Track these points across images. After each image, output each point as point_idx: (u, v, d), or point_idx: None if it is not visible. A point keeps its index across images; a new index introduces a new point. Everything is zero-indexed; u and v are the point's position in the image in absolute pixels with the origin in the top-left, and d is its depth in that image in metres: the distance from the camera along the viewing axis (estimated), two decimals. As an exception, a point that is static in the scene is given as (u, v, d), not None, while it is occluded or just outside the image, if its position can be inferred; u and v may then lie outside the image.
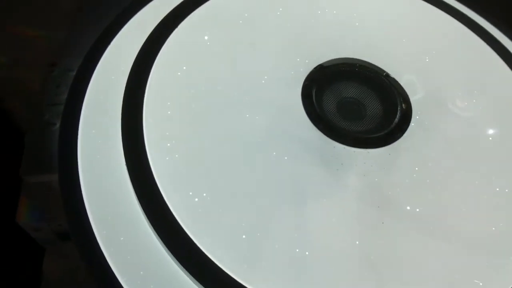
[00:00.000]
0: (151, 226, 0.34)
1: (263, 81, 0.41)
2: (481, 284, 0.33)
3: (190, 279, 0.32)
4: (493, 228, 0.36)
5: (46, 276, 0.46)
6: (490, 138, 0.41)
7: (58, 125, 0.40)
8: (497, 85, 0.45)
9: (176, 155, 0.36)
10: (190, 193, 0.35)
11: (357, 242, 0.35)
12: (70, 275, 0.47)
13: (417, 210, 0.37)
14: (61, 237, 0.49)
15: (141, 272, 0.33)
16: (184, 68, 0.41)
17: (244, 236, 0.34)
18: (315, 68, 0.42)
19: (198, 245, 0.32)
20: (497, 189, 0.38)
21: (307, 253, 0.33)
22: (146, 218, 0.34)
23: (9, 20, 0.51)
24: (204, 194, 0.35)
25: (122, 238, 0.34)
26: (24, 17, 0.54)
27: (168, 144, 0.37)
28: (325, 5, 0.47)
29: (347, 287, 0.33)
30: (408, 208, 0.37)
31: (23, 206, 0.44)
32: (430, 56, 0.44)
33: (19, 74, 0.52)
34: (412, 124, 0.40)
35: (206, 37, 0.44)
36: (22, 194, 0.44)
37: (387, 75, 0.43)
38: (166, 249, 0.33)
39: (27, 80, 0.48)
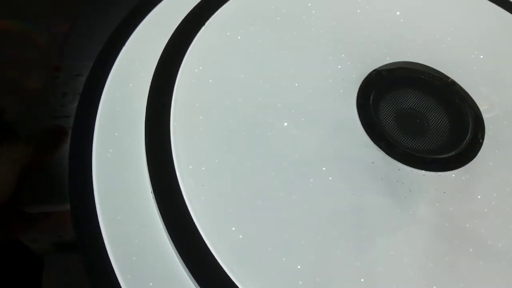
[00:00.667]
0: (180, 259, 0.27)
1: (311, 90, 0.34)
2: None
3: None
4: None
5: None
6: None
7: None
8: None
9: (213, 181, 0.30)
10: (233, 229, 0.29)
11: (434, 287, 0.29)
12: None
13: (500, 245, 0.31)
14: (60, 249, 0.44)
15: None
16: (216, 74, 0.34)
17: (300, 282, 0.28)
18: (371, 73, 0.36)
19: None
20: None
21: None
22: (177, 253, 0.28)
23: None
24: (247, 229, 0.29)
25: (134, 258, 0.28)
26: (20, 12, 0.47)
27: (203, 168, 0.30)
28: (373, 1, 0.41)
29: None
30: (489, 242, 0.31)
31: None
32: (502, 61, 0.38)
33: (15, 75, 0.45)
34: (485, 141, 0.34)
35: (239, 37, 0.37)
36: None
37: (453, 82, 0.36)
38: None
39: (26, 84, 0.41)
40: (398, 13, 0.40)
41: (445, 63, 0.37)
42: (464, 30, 0.40)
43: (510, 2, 0.41)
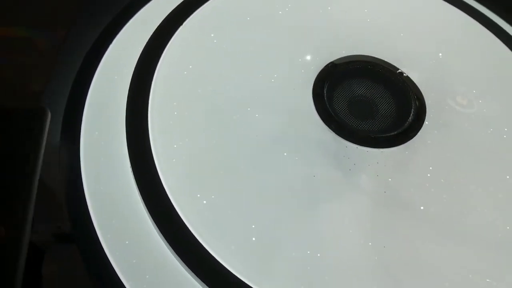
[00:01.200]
0: (157, 229, 0.33)
1: (272, 80, 0.40)
2: (495, 284, 0.32)
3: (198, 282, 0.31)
4: (508, 227, 0.35)
5: (46, 281, 0.45)
6: (505, 136, 0.40)
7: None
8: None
9: (184, 157, 0.35)
10: (198, 195, 0.34)
11: (370, 244, 0.33)
12: (71, 279, 0.46)
13: (432, 210, 0.35)
14: (60, 240, 0.48)
15: (147, 276, 0.32)
16: (190, 67, 0.40)
17: (254, 239, 0.33)
18: (326, 66, 0.41)
19: (207, 248, 0.31)
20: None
21: (318, 254, 0.32)
22: (153, 221, 0.33)
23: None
24: (213, 197, 0.34)
25: (127, 242, 0.33)
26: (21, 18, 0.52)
27: (175, 146, 0.36)
28: (334, 2, 0.46)
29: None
30: (422, 208, 0.35)
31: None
32: (444, 52, 0.43)
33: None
34: (426, 122, 0.39)
35: (212, 35, 0.42)
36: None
37: (401, 73, 0.41)
38: (173, 252, 0.32)
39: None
40: (356, 13, 0.45)
41: (395, 57, 0.42)
42: (413, 27, 0.45)
43: None
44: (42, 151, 0.31)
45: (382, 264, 0.33)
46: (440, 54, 0.43)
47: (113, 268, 0.31)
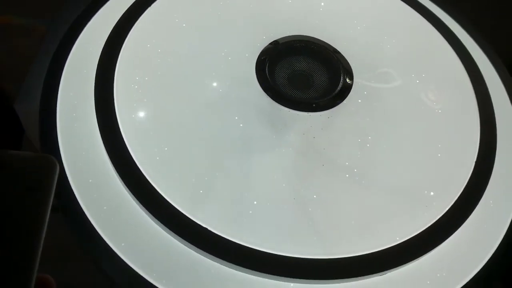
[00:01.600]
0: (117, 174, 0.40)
1: (222, 54, 0.47)
2: (397, 225, 0.39)
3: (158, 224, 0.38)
4: (411, 180, 0.41)
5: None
6: (419, 106, 0.46)
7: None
8: (436, 64, 0.50)
9: (142, 115, 0.42)
10: (155, 150, 0.41)
11: (294, 188, 0.40)
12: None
13: (347, 163, 0.42)
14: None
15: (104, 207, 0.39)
16: (153, 41, 0.47)
17: (193, 180, 0.40)
18: (270, 43, 0.47)
19: (154, 184, 0.38)
20: (418, 148, 0.43)
21: (246, 194, 0.39)
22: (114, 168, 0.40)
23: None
24: (166, 149, 0.41)
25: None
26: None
27: (134, 105, 0.43)
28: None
29: (285, 229, 0.38)
30: (339, 161, 0.42)
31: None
32: (378, 37, 0.50)
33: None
34: (352, 93, 0.46)
35: (175, 15, 0.49)
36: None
37: (335, 51, 0.48)
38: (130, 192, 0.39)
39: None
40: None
41: (334, 38, 0.49)
42: (352, 13, 0.52)
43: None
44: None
45: (303, 207, 0.39)
46: (373, 39, 0.49)
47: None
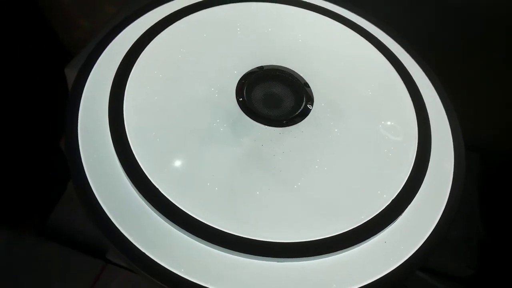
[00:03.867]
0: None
1: (213, 74, 0.59)
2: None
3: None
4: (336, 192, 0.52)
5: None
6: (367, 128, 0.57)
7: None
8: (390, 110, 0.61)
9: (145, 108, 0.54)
10: (146, 130, 0.52)
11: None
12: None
13: (280, 171, 0.52)
14: None
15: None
16: (162, 67, 0.59)
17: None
18: (250, 70, 0.59)
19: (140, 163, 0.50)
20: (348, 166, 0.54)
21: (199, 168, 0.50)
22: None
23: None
24: (158, 140, 0.53)
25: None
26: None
27: (140, 100, 0.55)
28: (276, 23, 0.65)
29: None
30: (276, 166, 0.52)
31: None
32: (342, 73, 0.62)
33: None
34: (312, 114, 0.57)
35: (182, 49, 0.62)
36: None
37: (306, 84, 0.59)
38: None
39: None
40: (278, 33, 0.64)
41: (304, 70, 0.61)
42: (326, 51, 0.64)
43: (359, 25, 0.65)
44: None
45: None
46: (339, 75, 0.61)
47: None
